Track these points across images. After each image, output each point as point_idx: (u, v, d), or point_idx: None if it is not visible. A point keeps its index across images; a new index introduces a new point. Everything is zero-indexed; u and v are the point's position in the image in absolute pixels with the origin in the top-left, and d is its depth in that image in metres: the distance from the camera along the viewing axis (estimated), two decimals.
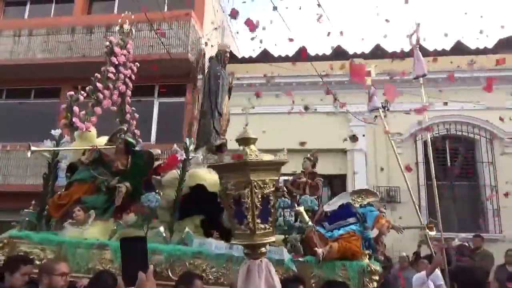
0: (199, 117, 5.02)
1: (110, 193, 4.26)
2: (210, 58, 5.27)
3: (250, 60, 12.01)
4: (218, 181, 4.54)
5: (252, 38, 5.61)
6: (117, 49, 4.99)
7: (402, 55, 10.80)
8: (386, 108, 10.39)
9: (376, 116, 10.77)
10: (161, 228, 4.05)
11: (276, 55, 12.02)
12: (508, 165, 10.00)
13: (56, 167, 4.32)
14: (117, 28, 5.27)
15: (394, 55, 10.89)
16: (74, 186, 4.24)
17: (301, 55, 10.94)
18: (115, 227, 4.07)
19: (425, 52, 10.19)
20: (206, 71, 5.28)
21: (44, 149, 4.30)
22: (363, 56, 11.40)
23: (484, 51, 11.14)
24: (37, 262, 3.78)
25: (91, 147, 4.25)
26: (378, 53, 11.28)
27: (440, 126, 10.34)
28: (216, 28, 12.80)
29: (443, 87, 9.92)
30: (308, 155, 5.38)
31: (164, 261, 3.80)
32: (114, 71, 4.93)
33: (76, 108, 4.49)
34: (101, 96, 4.68)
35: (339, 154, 10.63)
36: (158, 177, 4.69)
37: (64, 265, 3.50)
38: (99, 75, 4.79)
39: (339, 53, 11.42)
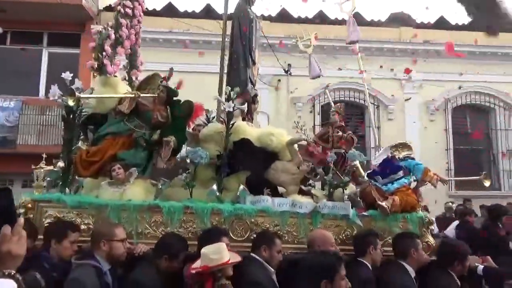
0: (229, 64, 4.53)
1: (149, 148, 3.73)
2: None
3: (153, 13, 11.13)
4: (260, 135, 4.25)
5: None
6: None
7: (304, 20, 11.16)
8: (289, 73, 10.76)
9: (279, 80, 11.27)
10: (214, 187, 3.70)
11: (182, 10, 11.50)
12: (392, 129, 11.16)
13: (79, 117, 3.62)
14: None
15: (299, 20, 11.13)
16: (107, 140, 3.61)
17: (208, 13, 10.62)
18: (160, 186, 3.62)
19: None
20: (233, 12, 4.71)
21: (93, 96, 3.55)
22: (269, 19, 11.30)
23: (378, 24, 12.18)
24: None
25: (132, 95, 3.61)
26: (285, 16, 11.27)
27: (337, 92, 11.07)
28: None
29: (339, 55, 10.43)
30: (333, 108, 5.22)
31: (224, 221, 3.51)
32: (132, 6, 4.16)
33: (108, 48, 3.73)
34: (124, 35, 3.94)
35: None
36: (191, 131, 4.24)
37: (122, 230, 3.09)
38: (122, 9, 3.99)
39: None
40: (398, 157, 4.48)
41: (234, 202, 3.69)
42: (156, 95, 3.69)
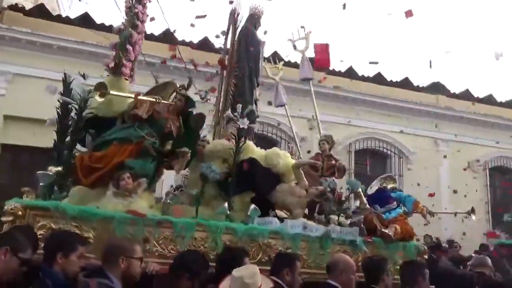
0: (234, 83, 4.45)
1: (158, 158, 3.45)
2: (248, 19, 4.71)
3: (68, 21, 10.28)
4: (267, 155, 4.20)
5: None
6: None
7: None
8: (205, 100, 10.30)
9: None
10: (226, 205, 3.50)
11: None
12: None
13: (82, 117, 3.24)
14: None
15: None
16: (114, 146, 3.26)
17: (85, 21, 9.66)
18: (169, 201, 3.34)
19: None
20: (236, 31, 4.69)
21: (125, 95, 3.17)
22: (190, 45, 10.73)
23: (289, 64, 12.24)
24: None
25: (155, 99, 3.33)
26: (206, 45, 10.74)
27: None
28: None
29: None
30: (323, 137, 5.34)
31: (237, 241, 3.32)
32: (143, 11, 3.93)
33: (129, 48, 3.43)
34: (137, 38, 3.68)
35: None
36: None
37: (140, 247, 2.78)
38: (139, 12, 3.71)
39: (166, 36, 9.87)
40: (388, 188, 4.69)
41: (244, 222, 3.53)
42: (173, 103, 3.47)
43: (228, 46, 4.68)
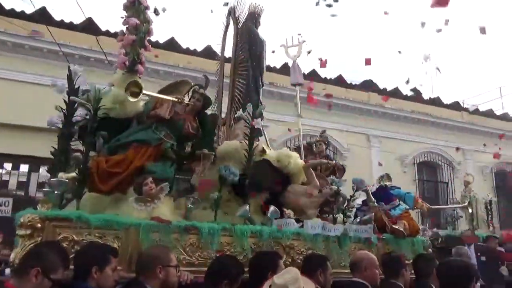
0: (243, 83, 4.33)
1: (177, 161, 3.28)
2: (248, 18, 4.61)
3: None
4: (279, 156, 4.20)
5: None
6: None
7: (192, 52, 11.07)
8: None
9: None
10: (247, 207, 3.41)
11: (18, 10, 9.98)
12: None
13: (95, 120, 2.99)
14: None
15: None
16: (132, 149, 3.05)
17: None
18: (190, 205, 3.20)
19: None
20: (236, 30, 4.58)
21: (153, 94, 2.89)
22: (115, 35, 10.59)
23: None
24: None
25: (177, 98, 3.13)
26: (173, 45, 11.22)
27: None
28: None
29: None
30: (320, 138, 5.39)
31: (263, 244, 3.25)
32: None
33: (148, 45, 3.19)
34: (152, 32, 3.43)
35: None
36: None
37: (173, 255, 2.66)
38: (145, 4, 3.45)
39: (89, 27, 10.25)
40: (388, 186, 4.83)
41: (264, 224, 3.47)
42: (191, 103, 3.32)
43: (229, 45, 4.57)
